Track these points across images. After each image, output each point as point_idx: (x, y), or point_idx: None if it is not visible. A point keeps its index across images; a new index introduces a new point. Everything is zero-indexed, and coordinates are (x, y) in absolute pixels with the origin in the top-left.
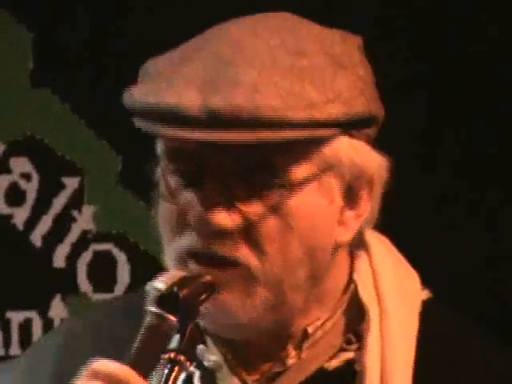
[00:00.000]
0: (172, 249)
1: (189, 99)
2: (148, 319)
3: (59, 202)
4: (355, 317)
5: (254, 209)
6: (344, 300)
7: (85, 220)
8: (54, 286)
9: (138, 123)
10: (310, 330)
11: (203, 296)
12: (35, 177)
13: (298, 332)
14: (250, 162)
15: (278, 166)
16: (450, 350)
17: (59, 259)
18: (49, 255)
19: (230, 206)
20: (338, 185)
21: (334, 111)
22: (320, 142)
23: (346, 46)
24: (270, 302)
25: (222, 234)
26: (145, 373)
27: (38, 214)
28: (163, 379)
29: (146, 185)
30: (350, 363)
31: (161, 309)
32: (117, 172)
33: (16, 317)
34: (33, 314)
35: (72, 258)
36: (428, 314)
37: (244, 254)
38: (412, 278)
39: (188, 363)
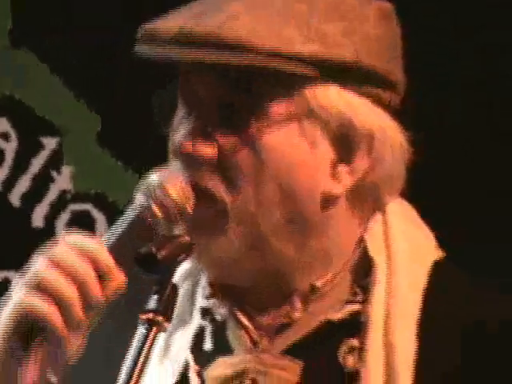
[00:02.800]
0: None
1: (171, 24)
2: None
3: (38, 162)
4: (363, 273)
5: (229, 141)
6: (352, 255)
7: (63, 180)
8: (33, 246)
9: (136, 49)
10: (318, 283)
11: (181, 256)
12: (14, 137)
13: (306, 287)
14: (229, 95)
15: (257, 101)
16: (457, 305)
17: (38, 219)
18: (27, 215)
19: (207, 137)
20: (323, 133)
21: (307, 49)
22: (302, 84)
23: (361, 5)
24: (247, 239)
25: (200, 164)
26: (118, 256)
27: (16, 174)
28: (142, 340)
29: (125, 145)
30: (355, 315)
31: (141, 269)
32: (96, 132)
33: None
34: (11, 274)
35: (50, 218)
36: (438, 272)
37: (219, 188)
38: (427, 238)
39: (166, 324)
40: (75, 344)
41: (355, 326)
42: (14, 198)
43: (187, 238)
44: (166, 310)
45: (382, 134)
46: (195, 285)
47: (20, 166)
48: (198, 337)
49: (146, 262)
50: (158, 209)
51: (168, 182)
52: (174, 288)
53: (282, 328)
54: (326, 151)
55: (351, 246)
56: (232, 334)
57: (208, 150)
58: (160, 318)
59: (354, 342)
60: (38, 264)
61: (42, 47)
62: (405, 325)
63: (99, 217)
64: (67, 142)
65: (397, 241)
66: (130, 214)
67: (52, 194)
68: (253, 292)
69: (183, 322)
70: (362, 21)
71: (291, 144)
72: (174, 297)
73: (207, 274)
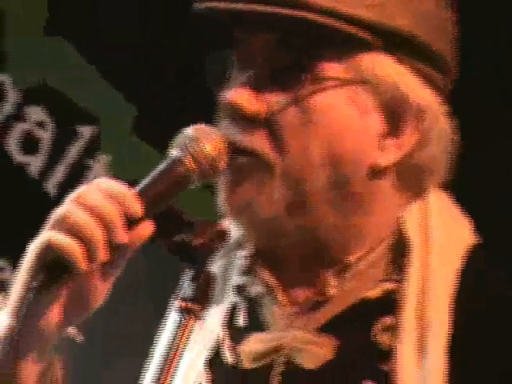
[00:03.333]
0: None
1: None
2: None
3: (74, 151)
4: (399, 252)
5: (279, 99)
6: (388, 235)
7: (100, 168)
8: None
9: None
10: (351, 258)
11: (216, 245)
12: (50, 125)
13: (339, 262)
14: (283, 55)
15: (308, 61)
16: (490, 287)
17: None
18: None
19: (258, 93)
20: (374, 101)
21: (363, 13)
22: (359, 50)
23: None
24: (290, 198)
25: (248, 119)
26: (148, 204)
27: (52, 163)
28: (177, 328)
29: (161, 133)
30: (390, 293)
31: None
32: (131, 121)
33: None
34: None
35: None
36: (473, 255)
37: (263, 144)
38: (463, 225)
39: (201, 312)
40: (100, 289)
41: (390, 304)
42: (51, 187)
43: (221, 226)
44: (202, 298)
45: (432, 114)
46: (229, 264)
47: (56, 155)
48: (232, 314)
49: (182, 250)
50: (192, 161)
51: (203, 136)
52: (211, 276)
53: (318, 305)
54: (376, 121)
55: (389, 226)
56: (267, 311)
57: (257, 105)
58: (196, 307)
59: (389, 321)
60: (65, 204)
61: (78, 36)
62: (438, 305)
63: None
64: (104, 130)
65: (434, 224)
66: (163, 165)
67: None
68: (290, 262)
69: (217, 300)
70: (421, 0)
71: (342, 108)
72: (210, 285)
73: (246, 236)
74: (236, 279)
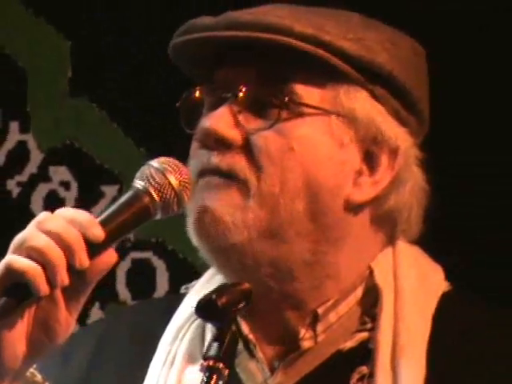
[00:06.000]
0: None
1: (215, 18)
2: (132, 190)
3: (98, 211)
4: (371, 302)
5: (256, 124)
6: (359, 285)
7: None
8: (93, 294)
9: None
10: (320, 311)
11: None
12: (74, 185)
13: (309, 311)
14: (260, 81)
15: (287, 88)
16: (467, 330)
17: None
18: None
19: (236, 121)
20: (350, 135)
21: (344, 44)
22: (336, 82)
23: (395, 33)
24: (264, 223)
25: (224, 145)
26: (110, 232)
27: None
28: None
29: None
30: (364, 342)
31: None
32: None
33: None
34: None
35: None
36: (447, 301)
37: (242, 167)
38: (435, 270)
39: (226, 371)
40: (65, 319)
41: (365, 353)
42: None
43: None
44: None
45: (406, 155)
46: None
47: None
48: None
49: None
50: (156, 193)
51: (168, 168)
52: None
53: (294, 360)
54: (352, 155)
55: (360, 273)
56: (242, 367)
57: (235, 131)
58: (220, 365)
59: (365, 370)
60: (27, 229)
61: (102, 95)
62: (413, 351)
63: (159, 264)
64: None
65: (405, 272)
66: (127, 195)
67: None
68: (263, 311)
69: (194, 359)
70: (395, 43)
71: (320, 138)
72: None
73: (220, 270)
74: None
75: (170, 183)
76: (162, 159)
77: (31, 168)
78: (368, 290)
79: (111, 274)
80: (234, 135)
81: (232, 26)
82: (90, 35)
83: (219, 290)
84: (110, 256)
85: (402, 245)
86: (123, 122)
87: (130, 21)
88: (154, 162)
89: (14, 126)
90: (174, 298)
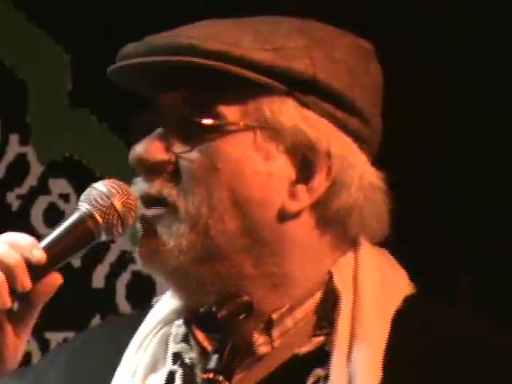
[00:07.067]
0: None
1: (135, 45)
2: (75, 213)
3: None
4: (330, 307)
5: (185, 149)
6: (318, 290)
7: (124, 240)
8: (93, 306)
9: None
10: (274, 316)
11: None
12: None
13: (264, 318)
14: (186, 104)
15: (209, 106)
16: (427, 332)
17: (98, 279)
18: (88, 275)
19: (165, 146)
20: (277, 147)
21: (258, 56)
22: (257, 94)
23: (332, 33)
24: (199, 245)
25: (154, 172)
26: (53, 255)
27: None
28: None
29: None
30: (321, 346)
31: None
32: None
33: (55, 337)
34: (71, 335)
35: (111, 278)
36: (408, 305)
37: (169, 191)
38: (398, 274)
39: (226, 383)
40: (13, 343)
41: (322, 356)
42: (75, 259)
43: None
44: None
45: (343, 157)
46: (168, 332)
47: None
48: (170, 382)
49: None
50: (100, 216)
51: (113, 191)
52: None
53: (250, 365)
54: (282, 166)
55: (318, 279)
56: (200, 376)
57: (164, 157)
58: (220, 378)
59: (321, 372)
60: None
61: (102, 108)
62: (369, 351)
63: (160, 279)
64: None
65: (366, 275)
66: (71, 218)
67: (113, 254)
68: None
69: (156, 369)
70: (325, 44)
71: (245, 154)
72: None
73: (172, 291)
74: (173, 346)
75: (113, 205)
76: (107, 181)
77: (31, 180)
78: (327, 295)
79: (111, 285)
80: (160, 160)
81: (149, 52)
82: (90, 47)
83: (219, 302)
84: (54, 279)
85: (366, 248)
86: (123, 135)
87: (130, 33)
88: (99, 184)
89: (13, 138)
90: (143, 312)
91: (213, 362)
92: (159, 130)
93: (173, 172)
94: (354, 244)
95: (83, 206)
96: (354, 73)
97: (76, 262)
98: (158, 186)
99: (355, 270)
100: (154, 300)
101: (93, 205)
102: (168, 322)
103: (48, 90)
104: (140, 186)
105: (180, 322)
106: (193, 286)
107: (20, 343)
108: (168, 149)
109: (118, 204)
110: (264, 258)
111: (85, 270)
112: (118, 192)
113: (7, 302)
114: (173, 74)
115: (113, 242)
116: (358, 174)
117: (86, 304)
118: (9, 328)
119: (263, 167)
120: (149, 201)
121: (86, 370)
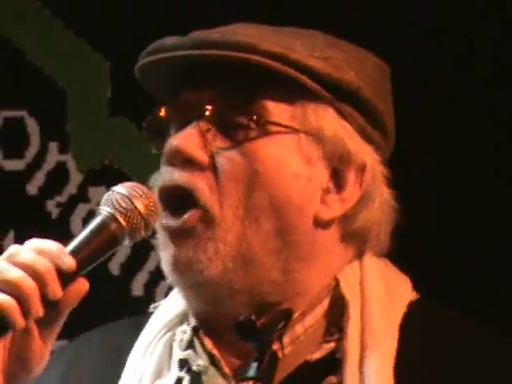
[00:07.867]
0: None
1: (180, 39)
2: (99, 217)
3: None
4: (338, 314)
5: (225, 147)
6: (326, 297)
7: None
8: (133, 315)
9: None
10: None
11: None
12: None
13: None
14: (228, 101)
15: (254, 107)
16: (434, 337)
17: (137, 287)
18: (127, 283)
19: (203, 142)
20: (318, 153)
21: (312, 62)
22: (303, 99)
23: (360, 51)
24: (235, 249)
25: (191, 167)
26: (80, 261)
27: None
28: None
29: None
30: (331, 353)
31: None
32: None
33: None
34: None
35: (150, 285)
36: (414, 310)
37: (203, 189)
38: (402, 281)
39: None
40: (40, 349)
41: (334, 363)
42: (114, 267)
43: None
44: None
45: (373, 171)
46: (172, 337)
47: None
48: None
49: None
50: (123, 219)
51: (135, 194)
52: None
53: None
54: (320, 173)
55: (328, 286)
56: (213, 382)
57: (202, 152)
58: None
59: (334, 379)
60: None
61: (141, 115)
62: (380, 359)
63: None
64: None
65: (371, 283)
66: (95, 223)
67: (152, 263)
68: (230, 331)
69: (161, 375)
70: (361, 61)
71: (287, 156)
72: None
73: (189, 304)
74: (179, 353)
75: (136, 208)
76: (127, 184)
77: (71, 189)
78: (334, 301)
79: (150, 293)
80: (201, 155)
81: (200, 46)
82: (130, 55)
83: (259, 311)
84: (81, 285)
85: (369, 257)
86: None
87: None
88: (119, 188)
89: (53, 146)
90: (143, 317)
91: (252, 370)
92: (196, 124)
93: (209, 168)
94: (360, 254)
95: (105, 210)
96: (382, 89)
97: (115, 270)
98: (189, 178)
99: (361, 278)
100: (152, 306)
101: (116, 208)
102: (172, 327)
103: (87, 98)
104: (167, 175)
105: (184, 327)
106: (222, 296)
107: (45, 349)
108: (207, 144)
109: (141, 207)
110: (291, 262)
111: (124, 278)
112: (140, 195)
113: (39, 310)
114: (209, 69)
115: (152, 249)
116: (381, 188)
117: (126, 312)
118: (37, 335)
119: (304, 171)
120: (174, 191)
121: (85, 374)
